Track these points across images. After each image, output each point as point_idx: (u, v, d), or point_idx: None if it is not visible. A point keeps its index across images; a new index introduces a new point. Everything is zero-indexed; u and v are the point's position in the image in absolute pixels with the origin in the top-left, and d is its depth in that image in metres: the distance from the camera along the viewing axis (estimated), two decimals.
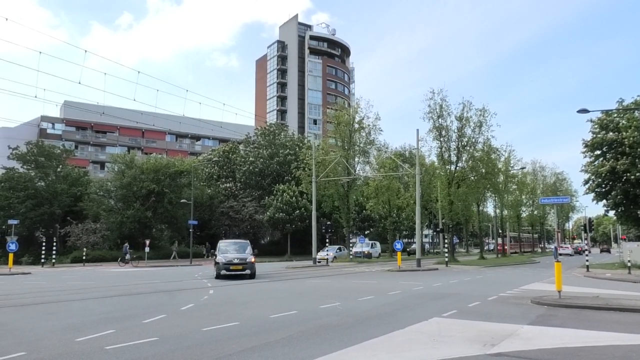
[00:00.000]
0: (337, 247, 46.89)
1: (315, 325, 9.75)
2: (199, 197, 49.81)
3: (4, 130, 67.36)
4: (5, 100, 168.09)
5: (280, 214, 49.51)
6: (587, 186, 36.91)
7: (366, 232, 62.79)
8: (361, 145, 44.67)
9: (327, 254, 41.71)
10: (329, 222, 44.21)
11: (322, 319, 10.64)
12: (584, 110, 24.35)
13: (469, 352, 7.21)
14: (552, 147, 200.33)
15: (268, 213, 50.30)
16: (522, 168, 57.92)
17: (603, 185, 35.69)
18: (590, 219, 36.78)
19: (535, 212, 73.85)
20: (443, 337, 8.40)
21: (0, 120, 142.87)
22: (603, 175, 34.46)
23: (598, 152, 35.71)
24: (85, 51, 23.99)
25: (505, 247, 63.64)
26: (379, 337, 8.42)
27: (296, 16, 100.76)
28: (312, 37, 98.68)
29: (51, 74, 29.00)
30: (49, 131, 73.24)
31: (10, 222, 34.99)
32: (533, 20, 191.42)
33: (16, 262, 34.94)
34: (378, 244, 55.77)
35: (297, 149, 55.76)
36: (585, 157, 36.83)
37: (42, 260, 36.82)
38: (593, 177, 35.91)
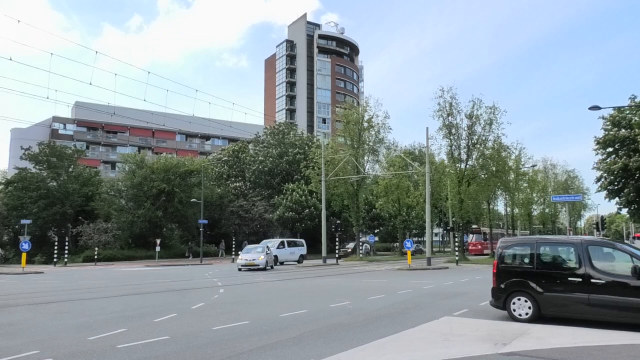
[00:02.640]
0: (260, 246, 32.62)
1: (326, 324, 9.74)
2: (209, 197, 50.01)
3: (17, 131, 68.20)
4: (17, 101, 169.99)
5: (290, 213, 49.58)
6: (599, 184, 36.64)
7: (376, 231, 62.70)
8: (370, 143, 44.54)
9: (258, 257, 29.56)
10: (338, 221, 44.10)
11: (333, 317, 10.63)
12: (595, 107, 24.12)
13: (480, 351, 7.16)
14: (564, 145, 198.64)
15: (278, 212, 50.38)
16: (533, 166, 57.39)
17: (615, 183, 35.40)
18: (602, 217, 36.51)
19: (547, 210, 73.34)
20: (454, 336, 8.35)
21: (13, 121, 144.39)
22: (615, 172, 34.18)
23: (610, 149, 35.42)
24: (96, 52, 24.18)
25: (476, 246, 52.83)
26: (390, 336, 8.40)
27: (305, 15, 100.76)
28: (320, 36, 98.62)
29: (63, 75, 29.30)
30: (60, 132, 73.92)
31: (23, 222, 35.41)
32: (545, 17, 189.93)
33: (29, 261, 35.33)
34: (303, 243, 38.77)
35: (307, 148, 55.78)
36: (597, 154, 36.56)
37: (55, 260, 37.20)
38: (605, 174, 35.61)
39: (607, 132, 35.16)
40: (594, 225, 46.61)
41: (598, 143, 35.75)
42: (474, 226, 46.20)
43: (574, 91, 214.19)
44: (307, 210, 49.61)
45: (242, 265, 29.33)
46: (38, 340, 8.32)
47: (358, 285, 19.14)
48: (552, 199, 32.19)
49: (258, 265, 29.21)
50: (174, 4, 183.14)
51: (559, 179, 73.33)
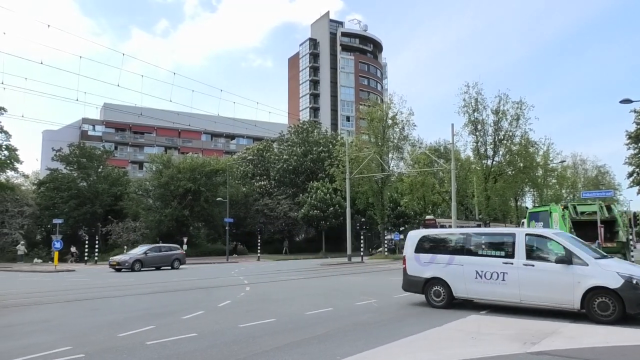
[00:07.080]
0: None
1: (351, 322, 9.73)
2: (234, 196, 50.44)
3: (48, 133, 70.00)
4: (48, 104, 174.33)
5: (315, 211, 49.64)
6: (631, 179, 35.73)
7: (401, 229, 62.30)
8: (395, 141, 44.28)
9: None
10: (363, 219, 43.92)
11: (358, 315, 10.61)
12: (627, 101, 23.46)
13: (509, 350, 7.05)
14: (593, 140, 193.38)
15: (302, 210, 50.51)
16: (562, 161, 56.27)
17: None
18: (635, 213, 35.45)
19: None
20: (482, 335, 8.24)
21: (45, 123, 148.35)
22: None
23: None
24: (123, 54, 24.69)
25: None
26: (416, 335, 8.33)
27: (327, 13, 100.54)
28: (343, 34, 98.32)
29: (92, 78, 30.10)
30: (89, 133, 75.57)
31: (55, 221, 36.29)
32: (575, 7, 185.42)
33: (61, 259, 36.21)
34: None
35: (331, 146, 55.75)
36: (629, 149, 35.62)
37: (85, 258, 38.05)
38: (638, 169, 34.70)
39: (639, 126, 34.22)
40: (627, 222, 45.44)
41: (630, 137, 34.81)
42: (428, 217, 41.07)
43: (604, 84, 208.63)
44: (331, 209, 49.62)
45: None
46: (71, 337, 8.54)
47: (384, 283, 19.05)
48: (582, 195, 31.35)
49: None
50: (200, 8, 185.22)
51: (589, 175, 71.61)
